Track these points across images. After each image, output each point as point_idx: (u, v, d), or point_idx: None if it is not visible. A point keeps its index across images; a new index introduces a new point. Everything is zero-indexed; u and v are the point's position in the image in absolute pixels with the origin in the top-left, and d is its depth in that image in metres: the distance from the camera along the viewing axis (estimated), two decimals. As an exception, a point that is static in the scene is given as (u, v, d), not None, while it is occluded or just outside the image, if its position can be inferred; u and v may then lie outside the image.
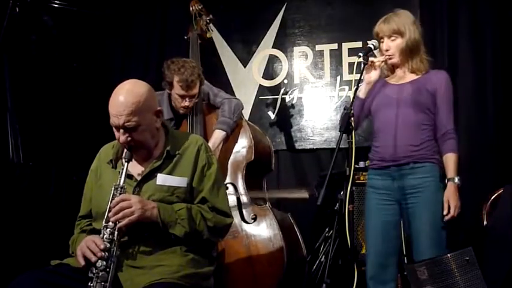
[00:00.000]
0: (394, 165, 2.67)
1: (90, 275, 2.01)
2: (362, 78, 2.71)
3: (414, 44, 2.72)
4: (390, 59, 2.72)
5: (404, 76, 2.77)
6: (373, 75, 2.72)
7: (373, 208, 2.73)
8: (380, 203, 2.71)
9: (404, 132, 2.66)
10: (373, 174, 2.76)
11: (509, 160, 3.79)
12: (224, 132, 3.29)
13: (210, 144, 3.22)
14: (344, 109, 2.53)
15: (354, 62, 3.66)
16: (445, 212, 2.62)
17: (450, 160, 2.65)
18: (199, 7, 3.65)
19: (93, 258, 2.01)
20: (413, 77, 2.74)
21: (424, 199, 2.63)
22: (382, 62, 2.72)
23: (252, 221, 3.21)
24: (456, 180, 2.63)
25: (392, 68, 2.79)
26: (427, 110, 2.68)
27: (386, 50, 2.72)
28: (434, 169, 2.67)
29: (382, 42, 2.74)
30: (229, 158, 3.36)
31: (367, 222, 2.76)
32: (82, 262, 2.05)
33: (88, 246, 2.05)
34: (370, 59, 2.69)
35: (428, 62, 2.77)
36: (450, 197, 2.62)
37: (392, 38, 2.70)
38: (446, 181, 2.66)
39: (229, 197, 3.23)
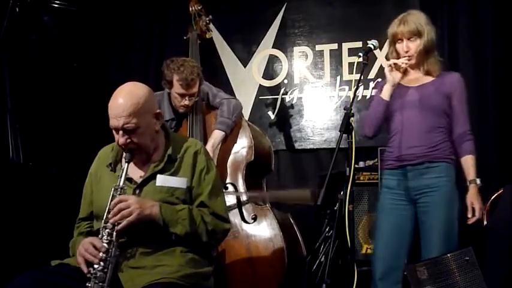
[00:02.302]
0: (409, 164, 2.67)
1: (88, 275, 2.02)
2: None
3: (430, 44, 2.71)
4: (410, 60, 2.70)
5: (419, 78, 2.76)
6: (397, 77, 2.69)
7: (386, 208, 2.72)
8: (394, 203, 2.71)
9: (421, 134, 2.66)
10: (388, 174, 2.76)
11: (509, 160, 3.79)
12: (223, 133, 3.29)
13: (209, 144, 3.22)
14: (344, 109, 2.53)
15: (354, 62, 3.67)
16: (469, 215, 2.62)
17: (469, 162, 2.67)
18: (199, 7, 3.65)
19: (95, 261, 2.02)
20: (428, 79, 2.74)
21: (438, 198, 2.62)
22: (407, 63, 2.69)
23: (252, 221, 3.20)
24: (478, 182, 2.64)
25: (405, 70, 2.75)
26: (443, 113, 2.69)
27: (406, 52, 2.69)
28: (449, 169, 2.67)
29: (400, 43, 2.71)
30: (229, 158, 3.36)
31: (380, 222, 2.74)
32: (85, 269, 2.05)
33: (87, 250, 2.05)
34: (393, 60, 2.69)
35: (441, 63, 2.77)
36: (474, 199, 2.62)
37: (412, 39, 2.68)
38: (468, 183, 2.66)
39: (229, 197, 3.25)
